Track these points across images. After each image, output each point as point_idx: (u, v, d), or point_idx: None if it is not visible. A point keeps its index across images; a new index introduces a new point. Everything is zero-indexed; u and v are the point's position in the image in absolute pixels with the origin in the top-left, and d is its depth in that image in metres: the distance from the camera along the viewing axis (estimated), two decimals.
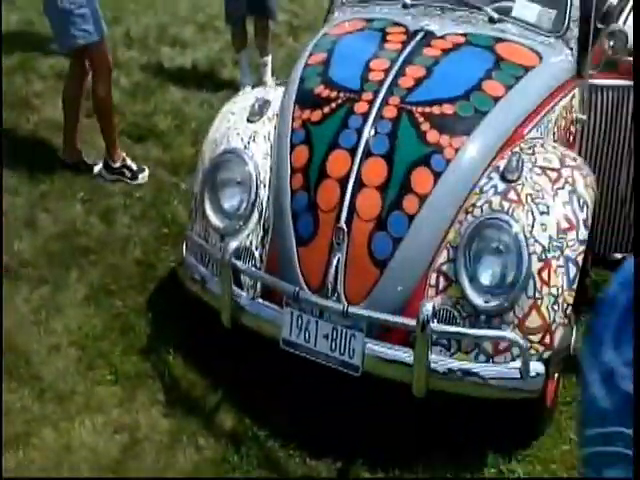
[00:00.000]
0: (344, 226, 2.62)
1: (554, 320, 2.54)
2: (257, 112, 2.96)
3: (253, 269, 2.74)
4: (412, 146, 2.68)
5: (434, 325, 2.44)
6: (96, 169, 4.20)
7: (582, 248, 2.60)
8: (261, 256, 2.80)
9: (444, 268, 2.60)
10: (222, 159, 2.88)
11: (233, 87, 5.09)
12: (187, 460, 2.68)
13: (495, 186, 2.63)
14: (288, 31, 6.05)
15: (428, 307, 2.43)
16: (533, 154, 2.72)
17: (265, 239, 2.81)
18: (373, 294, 2.61)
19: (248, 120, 2.97)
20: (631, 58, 3.06)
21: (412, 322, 2.48)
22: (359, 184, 2.65)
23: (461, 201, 2.64)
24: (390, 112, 2.72)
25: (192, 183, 3.14)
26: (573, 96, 3.14)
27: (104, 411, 2.84)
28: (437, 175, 2.64)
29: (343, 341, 2.56)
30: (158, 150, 4.42)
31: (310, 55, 3.07)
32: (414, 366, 2.48)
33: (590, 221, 2.65)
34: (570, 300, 2.58)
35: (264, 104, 2.99)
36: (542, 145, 2.80)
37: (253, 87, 3.95)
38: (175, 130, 4.61)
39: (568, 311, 2.59)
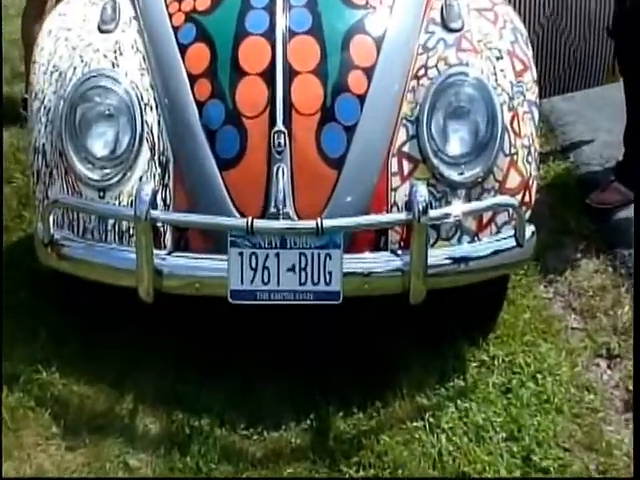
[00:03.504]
0: (283, 128, 2.83)
1: (530, 174, 3.04)
2: (111, 17, 3.06)
3: (182, 214, 2.86)
4: (340, 12, 2.98)
5: (432, 212, 2.77)
6: None
7: (537, 88, 3.10)
8: (164, 200, 2.91)
9: (406, 149, 2.93)
10: (85, 88, 2.93)
11: None
12: None
13: (443, 39, 3.01)
14: None
15: (422, 191, 2.76)
16: None
17: (166, 177, 2.93)
18: (333, 201, 2.87)
19: (101, 30, 3.04)
20: None
21: (401, 216, 2.80)
22: (289, 72, 2.88)
23: (408, 66, 2.97)
24: None
25: (29, 138, 3.14)
26: None
27: None
28: (378, 41, 2.96)
29: (316, 267, 2.79)
30: None
31: None
32: (411, 267, 2.79)
33: None
34: (538, 147, 3.10)
35: (114, 6, 3.08)
36: None
37: None
38: None
39: (538, 160, 3.10)
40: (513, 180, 2.97)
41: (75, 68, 2.98)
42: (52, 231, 2.95)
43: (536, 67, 3.15)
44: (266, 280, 2.78)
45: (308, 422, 2.94)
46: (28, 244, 3.42)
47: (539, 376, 3.10)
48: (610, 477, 2.77)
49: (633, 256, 3.31)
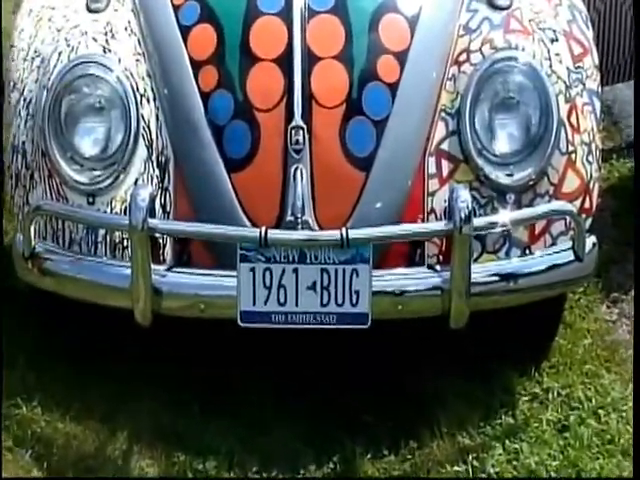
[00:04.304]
0: (301, 123, 2.82)
1: (591, 176, 3.02)
2: None
3: (184, 223, 2.85)
4: None
5: (476, 220, 2.74)
6: None
7: (598, 75, 3.07)
8: (164, 207, 2.91)
9: (445, 147, 2.92)
10: (72, 76, 2.92)
11: None
12: None
13: (488, 18, 3.00)
14: None
15: (464, 196, 2.74)
16: None
17: (166, 180, 2.93)
18: (360, 209, 2.86)
19: (90, 10, 3.04)
20: None
21: (440, 225, 2.78)
22: (309, 58, 2.87)
23: (448, 50, 2.96)
24: None
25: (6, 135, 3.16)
26: None
27: None
28: (412, 21, 2.96)
29: (340, 285, 2.77)
30: None
31: None
32: (452, 285, 2.77)
33: None
34: (600, 144, 3.07)
35: None
36: None
37: None
38: None
39: (600, 160, 3.07)
40: (571, 183, 2.95)
41: (60, 53, 2.98)
42: (33, 242, 2.95)
43: (597, 50, 3.14)
44: (282, 300, 2.78)
45: (331, 465, 2.93)
46: (4, 256, 3.42)
47: (601, 412, 3.08)
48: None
49: None
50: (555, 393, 3.14)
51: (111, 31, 3.02)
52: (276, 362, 3.19)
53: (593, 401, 3.11)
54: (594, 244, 2.99)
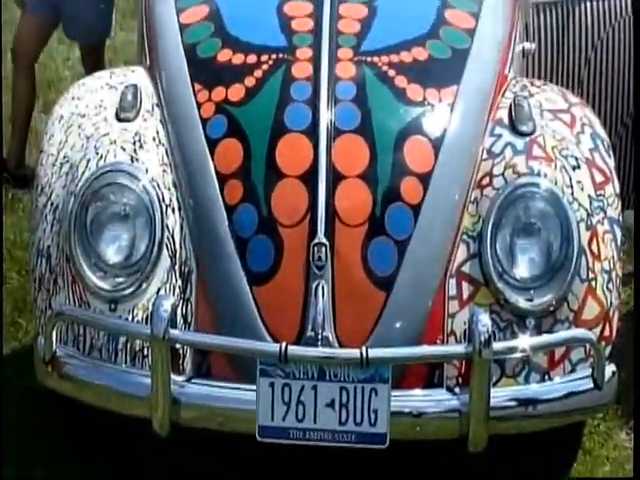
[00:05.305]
0: (324, 240, 2.88)
1: (611, 303, 3.05)
2: (131, 104, 3.14)
3: (205, 335, 2.88)
4: (392, 109, 3.05)
5: (496, 345, 2.78)
6: None
7: (619, 204, 3.13)
8: (185, 317, 2.95)
9: (466, 269, 2.97)
10: (99, 184, 2.99)
11: None
12: None
13: (511, 144, 3.07)
14: None
15: (484, 320, 2.78)
16: (531, 96, 3.22)
17: (188, 291, 2.98)
18: (380, 327, 2.90)
19: (119, 119, 3.13)
20: None
21: (460, 348, 2.81)
22: (333, 176, 2.94)
23: (471, 174, 3.03)
24: (346, 69, 3.07)
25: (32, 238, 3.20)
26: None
27: None
28: (436, 144, 3.03)
29: (359, 403, 2.80)
30: None
31: (179, 12, 3.31)
32: (470, 408, 2.80)
33: None
34: (620, 272, 3.12)
35: (135, 92, 3.17)
36: (532, 84, 3.33)
37: None
38: None
39: (620, 288, 3.11)
40: (591, 310, 2.99)
41: (88, 161, 3.05)
42: (54, 347, 2.98)
43: (619, 175, 3.21)
44: (300, 417, 2.81)
45: None
46: (23, 357, 3.51)
47: None
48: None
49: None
50: None
51: (139, 140, 3.09)
52: (295, 474, 3.20)
53: None
54: (613, 372, 3.00)
